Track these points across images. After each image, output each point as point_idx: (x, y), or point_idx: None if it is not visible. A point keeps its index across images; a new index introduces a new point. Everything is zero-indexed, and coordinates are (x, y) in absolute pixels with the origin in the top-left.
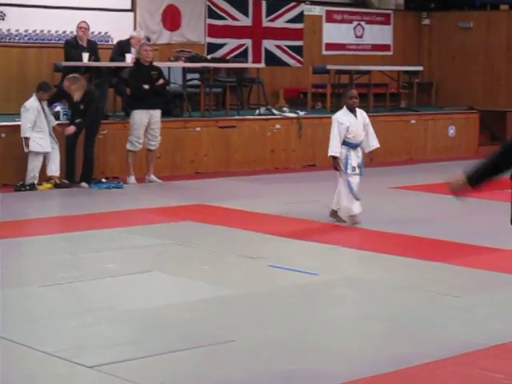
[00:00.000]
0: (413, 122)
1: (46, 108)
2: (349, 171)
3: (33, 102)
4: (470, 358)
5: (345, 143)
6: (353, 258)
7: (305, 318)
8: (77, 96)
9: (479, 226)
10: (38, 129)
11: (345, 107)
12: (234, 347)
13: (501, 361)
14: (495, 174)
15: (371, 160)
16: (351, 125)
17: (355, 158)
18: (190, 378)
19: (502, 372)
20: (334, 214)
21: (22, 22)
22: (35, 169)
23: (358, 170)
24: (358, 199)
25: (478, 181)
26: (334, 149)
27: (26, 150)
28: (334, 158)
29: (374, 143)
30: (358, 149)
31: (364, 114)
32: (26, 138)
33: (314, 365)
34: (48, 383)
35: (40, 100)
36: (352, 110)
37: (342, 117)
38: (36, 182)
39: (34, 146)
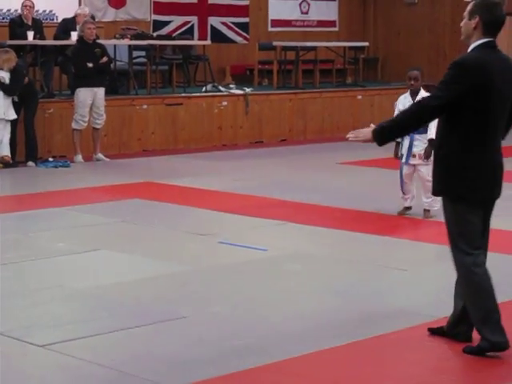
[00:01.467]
0: (359, 97)
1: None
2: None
3: None
4: (420, 330)
5: None
6: (301, 233)
7: (254, 294)
8: (5, 69)
9: None
10: None
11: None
12: (184, 323)
13: None
14: (403, 135)
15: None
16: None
17: (413, 147)
18: (141, 356)
19: (449, 342)
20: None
21: None
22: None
23: (411, 160)
24: (404, 194)
25: (385, 140)
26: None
27: None
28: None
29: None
30: (420, 137)
31: None
32: None
33: (264, 340)
34: None
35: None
36: (412, 93)
37: (399, 100)
38: None
39: None
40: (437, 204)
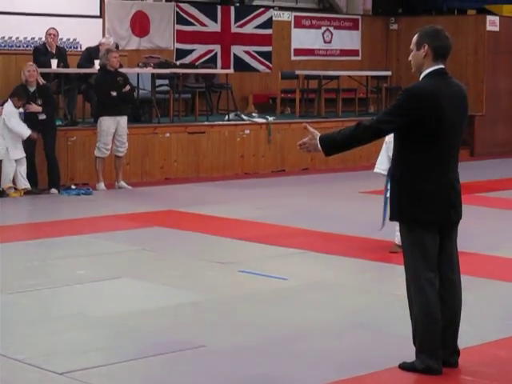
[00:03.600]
0: None
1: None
2: None
3: (9, 107)
4: None
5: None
6: (322, 262)
7: (274, 323)
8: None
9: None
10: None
11: None
12: (204, 352)
13: None
14: (347, 149)
15: None
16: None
17: None
18: None
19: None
20: None
21: None
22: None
23: None
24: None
25: (334, 151)
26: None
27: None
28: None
29: None
30: None
31: None
32: (30, 135)
33: (283, 369)
34: None
35: (15, 106)
36: None
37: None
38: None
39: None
40: None
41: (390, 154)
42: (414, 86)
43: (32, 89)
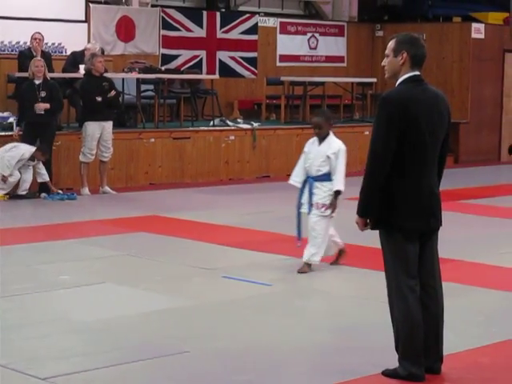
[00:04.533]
0: (366, 133)
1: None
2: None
3: (26, 153)
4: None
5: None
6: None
7: (257, 329)
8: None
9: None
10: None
11: None
12: (187, 358)
13: None
14: (377, 191)
15: None
16: (310, 151)
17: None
18: None
19: None
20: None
21: None
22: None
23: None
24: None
25: (372, 212)
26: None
27: None
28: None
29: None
30: (320, 184)
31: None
32: (4, 177)
33: (265, 376)
34: None
35: (35, 158)
36: (320, 139)
37: (307, 145)
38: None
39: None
40: (317, 258)
41: (307, 165)
42: (389, 92)
43: (38, 81)
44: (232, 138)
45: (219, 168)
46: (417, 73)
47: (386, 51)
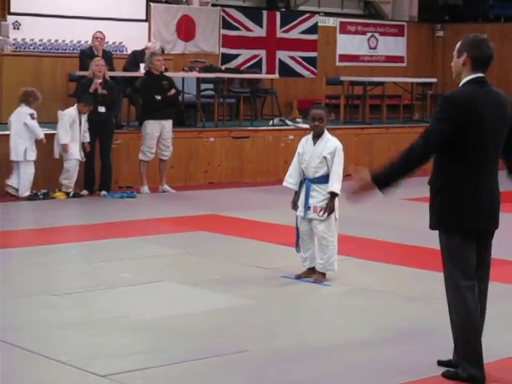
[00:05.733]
0: None
1: (83, 122)
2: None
3: (71, 111)
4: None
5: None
6: (364, 268)
7: (317, 328)
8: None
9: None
10: (70, 138)
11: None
12: (247, 357)
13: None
14: (406, 176)
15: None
16: (304, 152)
17: (310, 198)
18: None
19: None
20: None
21: (37, 32)
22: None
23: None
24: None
25: (389, 183)
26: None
27: (56, 155)
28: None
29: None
30: (318, 187)
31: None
32: (64, 145)
33: (326, 375)
34: None
35: (79, 112)
36: (315, 136)
37: (301, 143)
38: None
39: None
40: (332, 267)
41: (304, 166)
42: (453, 92)
43: (98, 80)
44: (291, 137)
45: (278, 167)
46: (480, 75)
47: (454, 51)
